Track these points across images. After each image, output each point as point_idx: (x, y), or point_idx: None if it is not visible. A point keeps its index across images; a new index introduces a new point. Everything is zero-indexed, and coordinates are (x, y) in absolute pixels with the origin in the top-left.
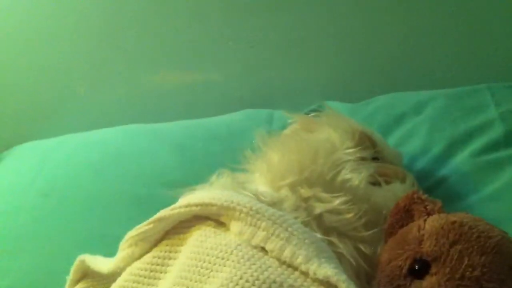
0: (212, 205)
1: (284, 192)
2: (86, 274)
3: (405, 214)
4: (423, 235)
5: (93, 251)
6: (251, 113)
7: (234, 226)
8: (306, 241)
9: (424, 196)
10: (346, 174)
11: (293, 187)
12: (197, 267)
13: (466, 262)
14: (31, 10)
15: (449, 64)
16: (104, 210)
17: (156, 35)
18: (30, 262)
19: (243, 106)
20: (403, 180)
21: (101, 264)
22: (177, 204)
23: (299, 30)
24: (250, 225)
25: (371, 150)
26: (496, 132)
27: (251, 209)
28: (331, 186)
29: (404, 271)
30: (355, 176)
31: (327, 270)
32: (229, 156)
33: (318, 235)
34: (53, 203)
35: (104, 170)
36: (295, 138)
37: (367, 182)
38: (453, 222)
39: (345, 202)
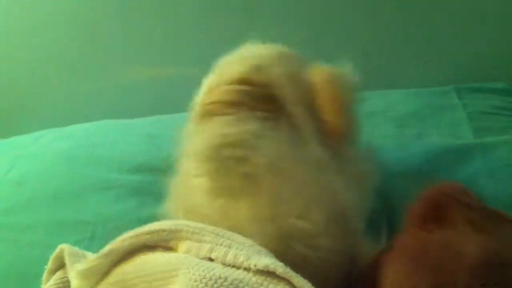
0: (163, 230)
1: None
2: (64, 264)
3: (435, 210)
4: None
5: (66, 237)
6: None
7: (182, 246)
8: (246, 245)
9: (469, 195)
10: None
11: None
12: (152, 281)
13: None
14: (7, 5)
15: (418, 64)
16: (75, 196)
17: (132, 29)
18: (5, 252)
19: None
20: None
21: (71, 270)
22: (127, 235)
23: (269, 26)
24: (196, 241)
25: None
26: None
27: (196, 228)
28: None
29: None
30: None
31: (265, 260)
32: None
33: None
34: (25, 192)
35: (75, 159)
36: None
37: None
38: None
39: None
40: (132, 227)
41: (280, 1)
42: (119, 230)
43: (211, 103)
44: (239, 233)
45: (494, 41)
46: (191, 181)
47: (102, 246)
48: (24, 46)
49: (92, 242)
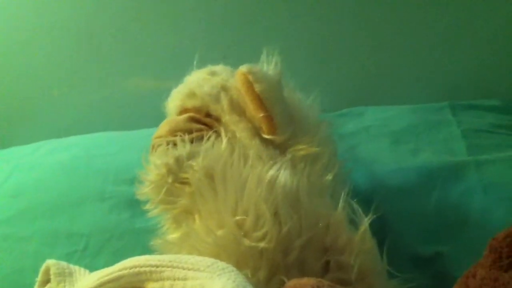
0: (121, 277)
1: None
2: None
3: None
4: None
5: (59, 249)
6: None
7: (148, 287)
8: (201, 267)
9: None
10: None
11: None
12: None
13: None
14: (6, 13)
15: (413, 80)
16: (70, 208)
17: (131, 41)
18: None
19: None
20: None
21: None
22: (91, 283)
23: (270, 41)
24: (156, 280)
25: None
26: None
27: (152, 265)
28: None
29: None
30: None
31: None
32: None
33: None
34: (21, 204)
35: (72, 171)
36: None
37: None
38: None
39: None
40: (125, 239)
41: (281, 19)
42: (112, 242)
43: (155, 137)
44: (199, 250)
45: (489, 58)
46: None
47: (93, 258)
48: (24, 56)
49: (84, 254)
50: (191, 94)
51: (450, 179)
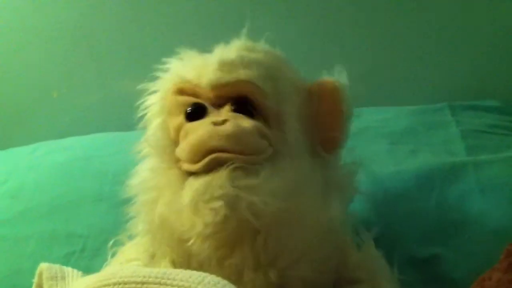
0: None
1: None
2: None
3: None
4: None
5: (58, 250)
6: None
7: None
8: (192, 285)
9: None
10: None
11: None
12: None
13: None
14: (3, 14)
15: (412, 81)
16: (69, 209)
17: (130, 42)
18: None
19: None
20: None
21: None
22: None
23: (269, 41)
24: None
25: None
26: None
27: (136, 283)
28: None
29: None
30: None
31: None
32: None
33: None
34: (20, 205)
35: (70, 172)
36: None
37: None
38: None
39: None
40: (122, 240)
41: (280, 19)
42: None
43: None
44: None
45: (488, 59)
46: None
47: (91, 259)
48: (23, 58)
49: (82, 255)
50: (264, 78)
51: (448, 180)
